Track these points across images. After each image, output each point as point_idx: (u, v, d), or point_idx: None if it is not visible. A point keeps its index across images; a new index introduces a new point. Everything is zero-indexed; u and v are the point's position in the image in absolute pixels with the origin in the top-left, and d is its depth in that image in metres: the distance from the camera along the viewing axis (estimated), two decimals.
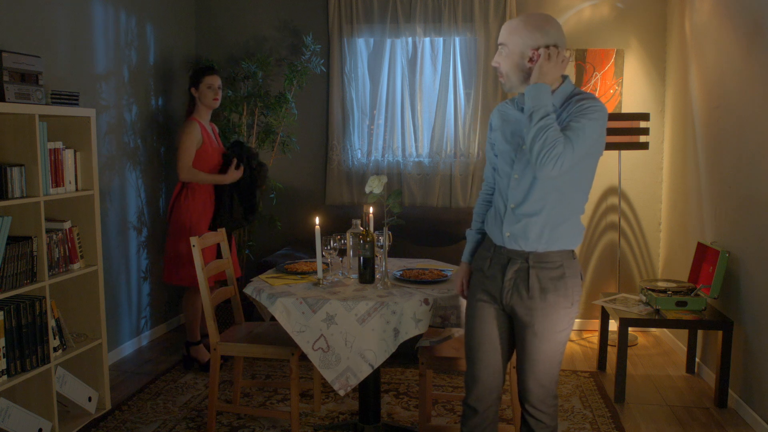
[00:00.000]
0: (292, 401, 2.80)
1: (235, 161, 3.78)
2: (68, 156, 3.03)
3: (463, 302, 2.47)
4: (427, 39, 4.64)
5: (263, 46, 4.84)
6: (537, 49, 1.99)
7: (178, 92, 4.69)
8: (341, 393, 2.53)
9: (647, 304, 3.62)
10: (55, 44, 3.42)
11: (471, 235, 2.34)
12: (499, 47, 2.06)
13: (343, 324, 2.51)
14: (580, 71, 4.53)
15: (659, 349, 4.26)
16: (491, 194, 2.31)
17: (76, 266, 3.09)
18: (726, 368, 3.30)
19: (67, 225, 3.03)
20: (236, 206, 3.83)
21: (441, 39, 4.62)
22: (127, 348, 4.13)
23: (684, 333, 3.98)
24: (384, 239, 2.71)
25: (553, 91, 2.04)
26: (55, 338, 2.91)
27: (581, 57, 4.52)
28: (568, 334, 2.11)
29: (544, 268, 2.05)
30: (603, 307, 3.88)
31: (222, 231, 3.19)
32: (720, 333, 3.31)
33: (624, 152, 4.46)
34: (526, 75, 2.03)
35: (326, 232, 2.85)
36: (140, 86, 4.24)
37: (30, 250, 2.77)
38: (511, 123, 2.13)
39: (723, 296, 3.50)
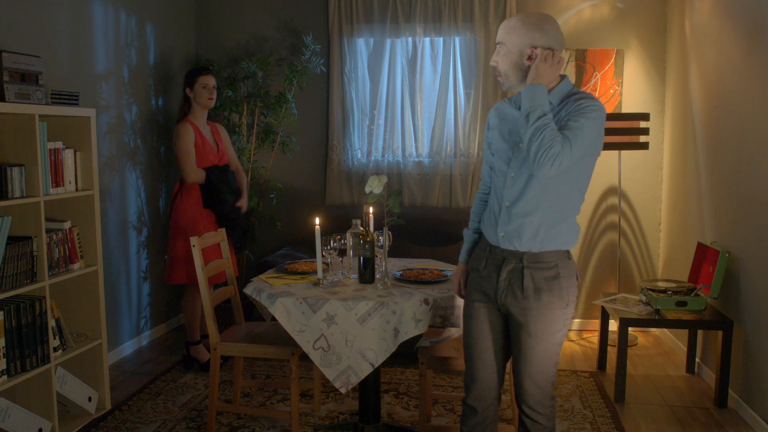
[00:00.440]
0: (292, 401, 2.80)
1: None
2: (68, 156, 3.03)
3: (461, 302, 2.47)
4: (427, 39, 4.64)
5: (263, 46, 4.84)
6: (535, 47, 1.99)
7: (178, 92, 4.69)
8: (342, 391, 2.54)
9: (647, 304, 3.62)
10: (55, 44, 3.42)
11: (468, 235, 2.34)
12: (498, 46, 2.06)
13: (344, 324, 2.51)
14: (580, 71, 4.53)
15: (659, 349, 4.26)
16: (488, 194, 2.31)
17: (76, 266, 3.09)
18: (726, 368, 3.30)
19: (67, 225, 3.03)
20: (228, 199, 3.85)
21: (441, 39, 4.62)
22: (127, 348, 4.13)
23: (684, 333, 3.98)
24: (384, 239, 2.71)
25: (551, 90, 2.04)
26: (55, 338, 2.91)
27: (581, 57, 4.52)
28: (564, 334, 2.11)
29: (539, 269, 2.05)
30: (603, 307, 3.88)
31: (222, 231, 3.19)
32: (720, 333, 3.31)
33: (624, 152, 4.46)
34: (525, 74, 2.03)
35: (326, 232, 2.85)
36: (140, 86, 4.24)
37: (30, 250, 2.77)
38: (508, 121, 2.13)
39: (723, 296, 3.50)
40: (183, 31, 4.78)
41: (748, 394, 3.21)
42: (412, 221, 4.33)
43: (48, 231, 2.90)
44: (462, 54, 4.62)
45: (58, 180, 2.95)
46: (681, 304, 3.50)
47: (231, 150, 4.00)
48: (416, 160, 4.72)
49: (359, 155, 4.79)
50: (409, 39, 4.63)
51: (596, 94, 4.52)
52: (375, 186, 2.63)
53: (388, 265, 3.02)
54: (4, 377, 2.63)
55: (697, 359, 3.83)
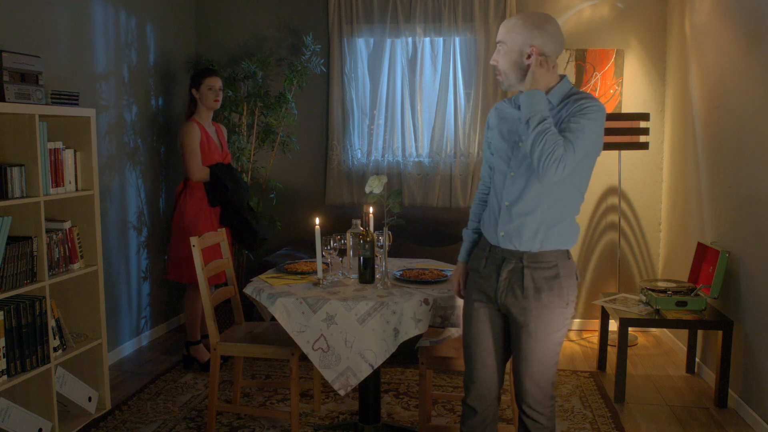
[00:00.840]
0: (292, 401, 2.80)
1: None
2: (68, 156, 3.03)
3: (461, 302, 2.47)
4: (427, 39, 4.64)
5: (263, 46, 4.84)
6: (535, 47, 1.99)
7: (178, 92, 4.69)
8: (341, 393, 2.53)
9: (647, 304, 3.62)
10: (55, 44, 3.42)
11: (467, 235, 2.34)
12: (498, 45, 2.06)
13: (343, 324, 2.51)
14: (580, 71, 4.53)
15: (659, 349, 4.26)
16: (487, 194, 2.31)
17: (76, 266, 3.09)
18: (726, 368, 3.30)
19: (67, 225, 3.03)
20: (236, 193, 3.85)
21: (441, 39, 4.62)
22: (127, 348, 4.13)
23: (684, 333, 3.98)
24: (384, 239, 2.71)
25: (550, 90, 2.04)
26: (55, 338, 2.91)
27: (581, 57, 4.52)
28: (563, 334, 2.11)
29: (539, 268, 2.05)
30: (603, 307, 3.88)
31: (222, 231, 3.19)
32: (720, 333, 3.31)
33: (624, 152, 4.46)
34: (524, 73, 2.03)
35: (326, 232, 2.85)
36: (140, 86, 4.24)
37: (30, 250, 2.77)
38: (508, 121, 2.13)
39: (723, 296, 3.50)
40: (183, 31, 4.78)
41: (748, 394, 3.21)
42: (412, 221, 4.33)
43: (48, 231, 2.90)
44: (462, 54, 4.62)
45: (58, 180, 2.95)
46: (681, 304, 3.50)
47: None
48: (416, 160, 4.72)
49: (359, 155, 4.79)
50: (409, 39, 4.63)
51: (596, 94, 4.52)
52: (375, 186, 2.63)
53: (388, 265, 3.02)
54: (4, 377, 2.63)
55: (697, 359, 3.83)
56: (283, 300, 2.55)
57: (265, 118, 4.54)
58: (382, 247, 2.74)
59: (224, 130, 4.02)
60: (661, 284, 3.68)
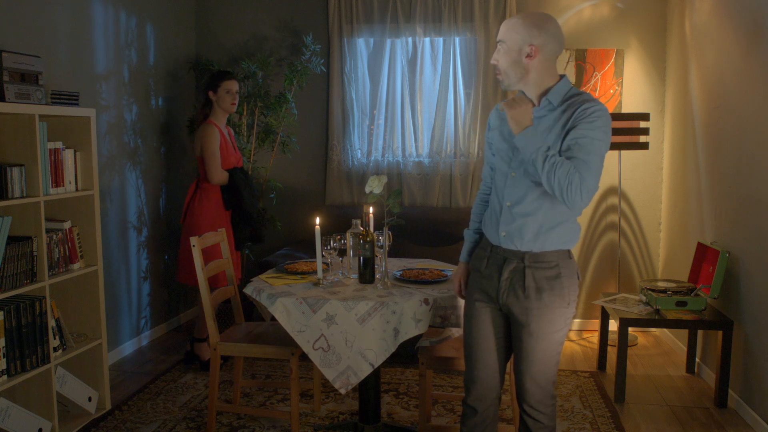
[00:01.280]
0: (292, 401, 2.80)
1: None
2: (68, 156, 3.03)
3: (462, 302, 2.47)
4: (427, 39, 4.64)
5: (263, 46, 4.84)
6: (534, 45, 1.99)
7: (178, 92, 4.69)
8: (342, 391, 2.54)
9: (647, 304, 3.62)
10: (55, 44, 3.42)
11: (469, 235, 2.34)
12: (498, 44, 2.07)
13: (343, 324, 2.51)
14: (580, 71, 4.53)
15: (659, 349, 4.26)
16: (489, 194, 2.32)
17: (76, 266, 3.09)
18: (726, 368, 3.30)
19: (67, 225, 3.03)
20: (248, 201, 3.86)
21: (441, 39, 4.62)
22: (127, 348, 4.13)
23: (684, 333, 3.97)
24: (384, 239, 2.71)
25: (549, 90, 2.04)
26: (55, 338, 2.91)
27: (581, 57, 4.52)
28: (564, 333, 2.11)
29: (540, 268, 2.05)
30: (603, 307, 3.88)
31: (222, 231, 3.19)
32: (720, 333, 3.31)
33: (624, 152, 4.46)
34: (524, 72, 2.03)
35: (326, 232, 2.85)
36: (140, 86, 4.24)
37: (30, 250, 2.77)
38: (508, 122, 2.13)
39: (723, 296, 3.50)
40: (183, 31, 4.78)
41: (748, 394, 3.21)
42: (412, 221, 4.33)
43: (48, 231, 2.90)
44: (462, 54, 4.62)
45: (58, 180, 2.95)
46: (681, 304, 3.50)
47: None
48: (416, 160, 4.72)
49: (359, 155, 4.79)
50: (409, 39, 4.63)
51: (596, 94, 4.52)
52: (375, 186, 2.63)
53: (388, 265, 3.02)
54: (4, 377, 2.63)
55: (697, 359, 3.83)
56: (283, 300, 2.55)
57: (265, 118, 4.54)
58: (382, 247, 2.74)
59: (232, 132, 4.02)
60: (661, 284, 3.68)
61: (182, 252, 3.80)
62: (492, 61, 2.09)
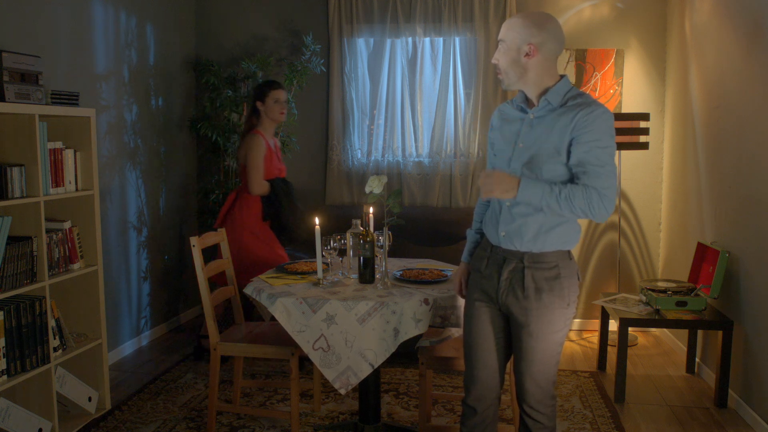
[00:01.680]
0: (292, 401, 2.80)
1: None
2: (68, 156, 3.03)
3: (462, 302, 2.47)
4: (427, 39, 4.64)
5: (263, 46, 4.84)
6: (533, 44, 1.99)
7: (178, 92, 4.69)
8: (342, 392, 2.54)
9: (647, 304, 3.62)
10: (55, 44, 3.42)
11: (470, 235, 2.34)
12: (499, 44, 2.07)
13: (343, 324, 2.51)
14: (580, 71, 4.53)
15: (659, 349, 4.26)
16: None
17: (76, 266, 3.09)
18: (726, 368, 3.30)
19: (67, 225, 3.03)
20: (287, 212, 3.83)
21: (441, 39, 4.62)
22: (127, 348, 4.13)
23: (684, 333, 3.97)
24: (384, 239, 2.71)
25: (549, 90, 2.04)
26: (55, 338, 2.91)
27: (581, 57, 4.52)
28: (564, 334, 2.11)
29: (539, 269, 2.05)
30: (603, 307, 3.88)
31: (222, 231, 3.20)
32: (720, 333, 3.31)
33: (624, 152, 4.46)
34: (523, 71, 2.03)
35: (326, 232, 2.85)
36: (140, 86, 4.24)
37: (30, 250, 2.77)
38: (509, 122, 2.14)
39: (723, 296, 3.50)
40: (183, 31, 4.78)
41: (748, 394, 3.21)
42: (412, 221, 4.33)
43: (48, 231, 2.90)
44: (462, 54, 4.62)
45: (58, 180, 2.95)
46: (681, 304, 3.50)
47: None
48: (416, 160, 4.72)
49: (359, 155, 4.79)
50: (409, 39, 4.63)
51: (596, 94, 4.52)
52: (375, 186, 2.63)
53: (388, 265, 3.02)
54: (4, 377, 2.63)
55: (697, 359, 3.83)
56: (283, 300, 2.55)
57: None
58: (382, 247, 2.74)
59: (278, 143, 3.98)
60: (661, 284, 3.68)
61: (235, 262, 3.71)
62: (493, 61, 2.10)
